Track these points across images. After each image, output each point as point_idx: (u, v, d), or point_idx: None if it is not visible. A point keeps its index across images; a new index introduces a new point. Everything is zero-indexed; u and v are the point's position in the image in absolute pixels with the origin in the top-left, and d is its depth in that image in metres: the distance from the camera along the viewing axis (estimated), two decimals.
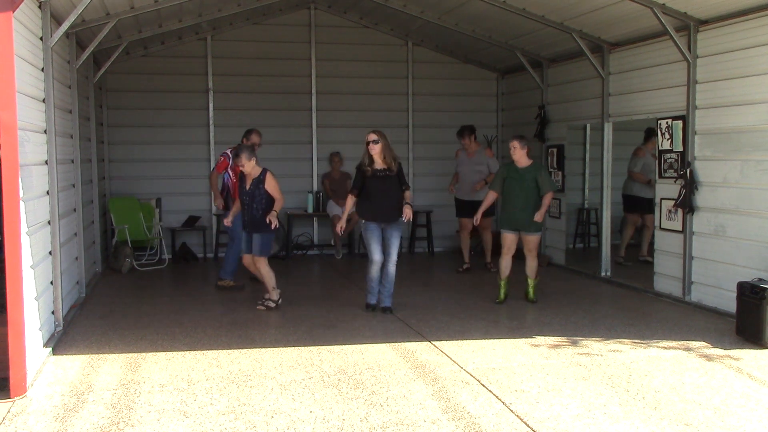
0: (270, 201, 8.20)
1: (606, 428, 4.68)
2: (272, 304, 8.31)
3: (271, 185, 8.20)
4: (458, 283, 10.01)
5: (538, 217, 8.34)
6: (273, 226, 8.10)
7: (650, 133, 11.29)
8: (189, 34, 11.98)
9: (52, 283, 6.88)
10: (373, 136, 7.87)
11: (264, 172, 8.24)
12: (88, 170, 9.91)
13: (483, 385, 5.50)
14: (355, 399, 5.21)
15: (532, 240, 8.53)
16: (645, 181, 10.80)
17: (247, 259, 8.44)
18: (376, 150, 7.86)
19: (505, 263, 8.62)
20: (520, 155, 8.45)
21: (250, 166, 8.19)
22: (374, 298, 8.20)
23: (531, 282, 8.67)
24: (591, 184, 13.14)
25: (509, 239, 8.57)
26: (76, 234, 8.56)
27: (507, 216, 8.60)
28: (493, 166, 10.66)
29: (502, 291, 8.64)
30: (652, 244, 9.69)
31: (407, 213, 7.88)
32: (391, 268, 8.08)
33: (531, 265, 8.65)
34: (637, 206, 11.19)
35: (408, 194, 8.04)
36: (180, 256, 11.88)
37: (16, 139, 5.27)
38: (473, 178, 10.78)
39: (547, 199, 8.41)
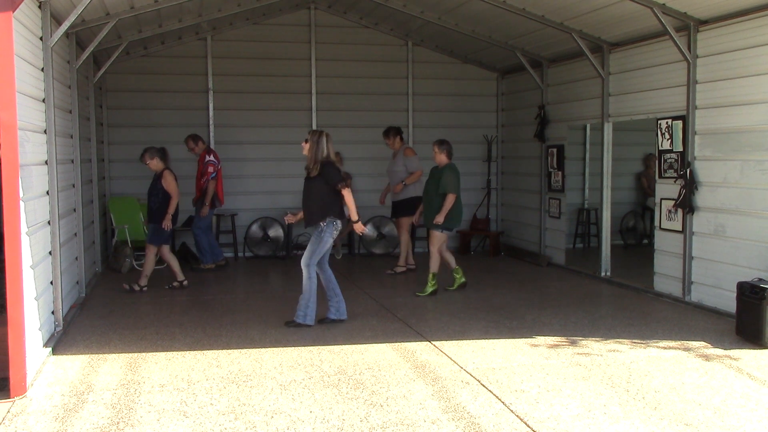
0: (166, 196, 9.17)
1: (606, 428, 4.68)
2: (137, 287, 9.23)
3: (166, 182, 9.16)
4: None
5: (437, 218, 8.87)
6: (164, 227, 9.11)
7: None
8: (189, 34, 11.98)
9: (52, 283, 6.88)
10: (307, 135, 7.46)
11: (163, 170, 9.22)
12: (88, 170, 9.91)
13: (483, 385, 5.50)
14: (355, 399, 5.21)
15: (431, 235, 9.15)
16: None
17: (163, 249, 9.36)
18: (304, 149, 7.44)
19: (435, 257, 9.13)
20: (439, 158, 9.17)
21: (153, 165, 9.23)
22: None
23: (429, 276, 9.08)
24: (591, 184, 13.15)
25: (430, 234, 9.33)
26: (76, 234, 8.56)
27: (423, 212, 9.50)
28: (410, 165, 10.63)
29: (429, 284, 9.12)
30: None
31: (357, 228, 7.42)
32: (303, 272, 7.40)
33: (431, 259, 9.12)
34: None
35: (345, 199, 7.31)
36: (180, 256, 11.85)
37: (16, 139, 5.28)
38: (392, 179, 10.82)
39: (446, 200, 8.87)
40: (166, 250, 9.35)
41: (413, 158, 10.68)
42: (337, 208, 7.39)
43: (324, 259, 7.51)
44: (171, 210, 9.11)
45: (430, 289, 9.00)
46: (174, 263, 9.45)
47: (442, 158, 9.13)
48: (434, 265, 9.02)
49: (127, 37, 10.27)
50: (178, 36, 11.86)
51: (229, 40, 12.32)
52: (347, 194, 7.30)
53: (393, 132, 10.93)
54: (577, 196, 13.39)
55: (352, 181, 12.29)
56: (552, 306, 8.42)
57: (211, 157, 10.84)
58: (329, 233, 7.33)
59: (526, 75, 11.86)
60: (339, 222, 7.40)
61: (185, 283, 9.45)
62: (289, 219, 7.89)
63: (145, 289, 9.23)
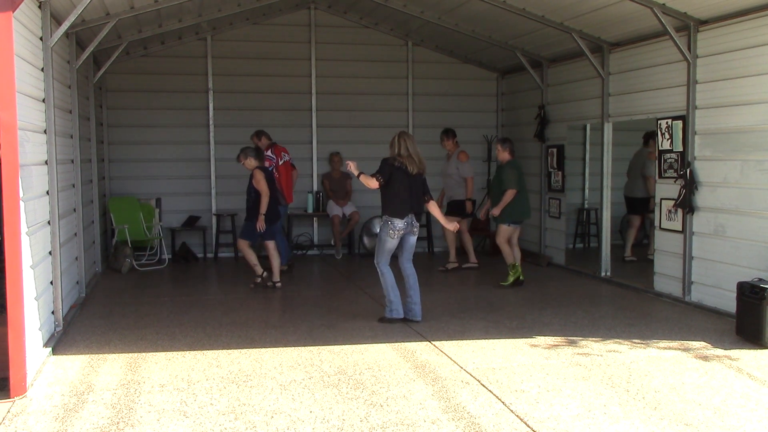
0: (258, 195, 9.22)
1: (606, 428, 4.68)
2: (258, 279, 9.39)
3: (255, 180, 9.22)
4: (458, 283, 10.01)
5: (494, 211, 9.45)
6: (258, 228, 9.15)
7: (651, 136, 11.26)
8: (189, 34, 11.98)
9: (52, 283, 6.88)
10: None
11: (254, 169, 9.30)
12: (88, 170, 9.91)
13: (483, 385, 5.50)
14: (355, 399, 5.21)
15: (498, 228, 9.58)
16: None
17: (240, 243, 9.47)
18: None
19: (504, 250, 9.56)
20: (501, 155, 9.62)
21: (248, 164, 9.36)
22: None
23: (509, 267, 9.57)
24: (591, 184, 13.14)
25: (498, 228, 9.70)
26: (76, 234, 8.56)
27: None
28: (462, 170, 10.70)
29: (510, 275, 9.58)
30: None
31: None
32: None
33: (503, 252, 9.57)
34: (640, 207, 11.32)
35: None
36: (180, 256, 11.88)
37: (16, 139, 5.27)
38: (446, 182, 10.98)
39: (506, 195, 9.32)
40: (245, 245, 9.32)
41: (466, 163, 10.75)
42: (392, 207, 7.41)
43: (406, 257, 7.57)
44: (262, 209, 9.08)
45: (511, 278, 9.45)
46: (253, 257, 9.36)
47: (504, 156, 9.56)
48: (509, 257, 9.47)
49: (127, 37, 10.27)
50: (178, 36, 11.86)
51: (229, 40, 12.32)
52: (370, 183, 7.42)
53: (451, 134, 11.01)
54: (577, 196, 13.38)
55: (351, 180, 12.30)
56: (552, 306, 8.42)
57: (269, 153, 10.71)
58: (385, 231, 7.45)
59: (526, 75, 11.86)
60: (396, 221, 7.37)
61: (267, 281, 9.39)
62: None
63: (264, 275, 9.40)
